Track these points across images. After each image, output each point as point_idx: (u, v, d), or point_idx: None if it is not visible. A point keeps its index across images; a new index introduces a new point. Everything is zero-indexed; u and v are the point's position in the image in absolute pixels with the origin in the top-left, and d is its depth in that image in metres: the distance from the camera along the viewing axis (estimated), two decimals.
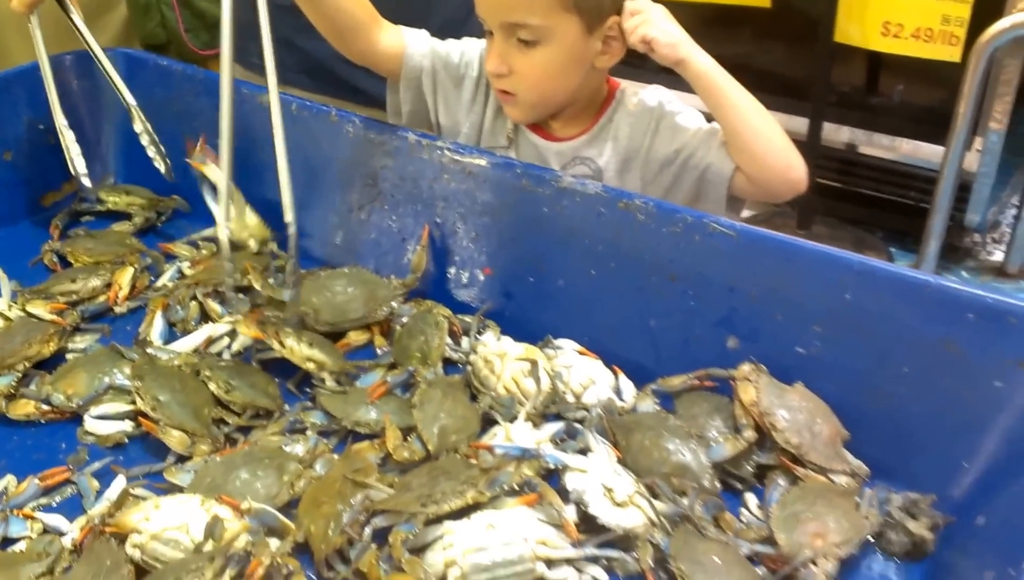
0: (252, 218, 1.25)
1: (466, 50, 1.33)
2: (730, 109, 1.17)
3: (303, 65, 1.56)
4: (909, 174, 3.01)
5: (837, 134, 3.23)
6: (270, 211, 1.19)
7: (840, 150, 3.19)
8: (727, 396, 1.10)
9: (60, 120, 1.48)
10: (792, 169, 1.17)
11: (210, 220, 1.20)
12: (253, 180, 1.21)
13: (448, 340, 1.24)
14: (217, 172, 1.24)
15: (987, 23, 2.38)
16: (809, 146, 3.13)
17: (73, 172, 1.47)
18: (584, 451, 1.04)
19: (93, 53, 1.51)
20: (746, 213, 3.68)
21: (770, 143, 1.17)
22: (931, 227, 2.53)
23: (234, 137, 1.13)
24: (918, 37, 2.90)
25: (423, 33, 1.36)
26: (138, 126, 1.48)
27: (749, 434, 1.03)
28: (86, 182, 1.48)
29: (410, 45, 1.34)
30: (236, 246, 1.20)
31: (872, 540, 0.96)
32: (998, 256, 2.82)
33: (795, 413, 1.03)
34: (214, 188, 1.21)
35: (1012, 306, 0.94)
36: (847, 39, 2.97)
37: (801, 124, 3.06)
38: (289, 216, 1.14)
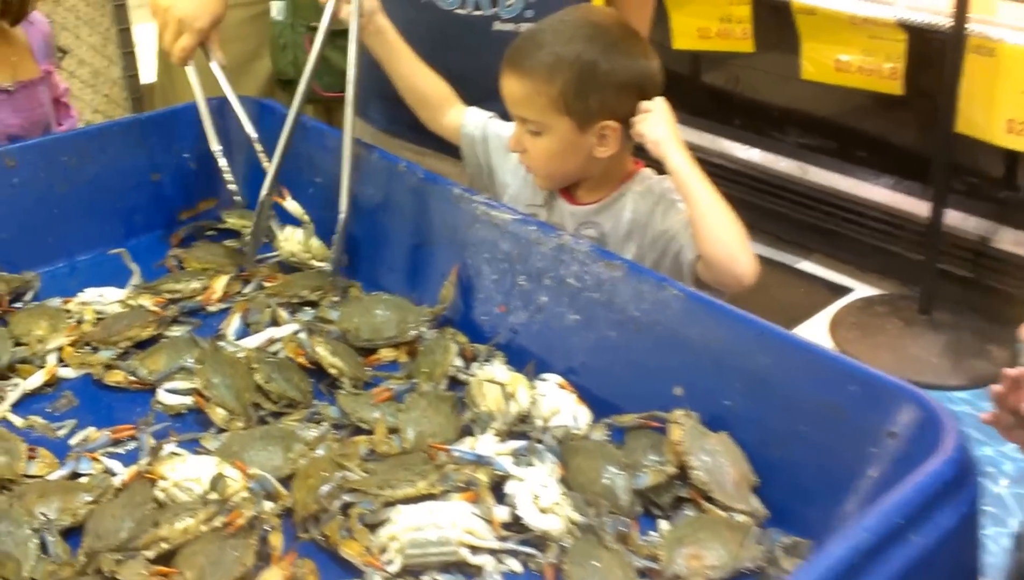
0: (315, 242, 1.65)
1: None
2: (693, 203, 1.38)
3: (408, 122, 1.83)
4: None
5: (965, 223, 3.19)
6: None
7: (970, 240, 3.15)
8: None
9: (216, 148, 1.77)
10: (736, 264, 1.35)
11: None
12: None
13: (460, 363, 1.46)
14: (293, 204, 1.60)
15: None
16: (930, 231, 3.11)
17: (231, 192, 1.75)
18: (532, 465, 1.24)
19: (226, 93, 1.82)
20: (874, 291, 3.61)
21: (720, 237, 1.36)
22: None
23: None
24: None
25: (484, 114, 1.66)
26: (261, 156, 1.75)
27: (670, 469, 1.20)
28: (237, 198, 1.75)
29: (466, 119, 1.66)
30: (297, 266, 1.64)
31: (755, 572, 1.11)
32: None
33: (709, 455, 1.19)
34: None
35: (886, 383, 1.07)
36: (971, 130, 2.94)
37: (926, 208, 3.03)
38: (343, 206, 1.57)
